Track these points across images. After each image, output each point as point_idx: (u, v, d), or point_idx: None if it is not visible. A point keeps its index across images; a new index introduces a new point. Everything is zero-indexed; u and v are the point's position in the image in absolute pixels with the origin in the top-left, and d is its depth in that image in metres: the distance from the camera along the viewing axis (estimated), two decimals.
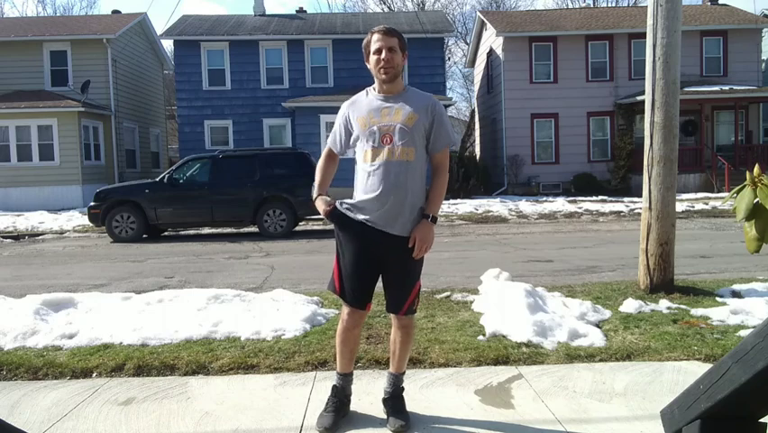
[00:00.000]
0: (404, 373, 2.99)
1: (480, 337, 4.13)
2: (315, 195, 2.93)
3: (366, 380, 3.45)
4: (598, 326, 4.38)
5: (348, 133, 2.87)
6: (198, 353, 3.93)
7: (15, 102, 19.61)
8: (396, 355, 2.94)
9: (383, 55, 2.71)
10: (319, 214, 2.95)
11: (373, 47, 2.75)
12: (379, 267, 2.82)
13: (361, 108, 2.83)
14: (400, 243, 2.74)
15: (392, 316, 2.91)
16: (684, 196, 17.89)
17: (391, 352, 2.98)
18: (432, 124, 2.80)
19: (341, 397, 2.93)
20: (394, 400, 2.92)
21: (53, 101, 19.86)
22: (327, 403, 2.92)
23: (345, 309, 2.86)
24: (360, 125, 2.78)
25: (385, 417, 2.89)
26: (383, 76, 2.74)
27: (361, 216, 2.77)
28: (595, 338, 4.07)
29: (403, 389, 2.97)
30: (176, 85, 22.47)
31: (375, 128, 2.74)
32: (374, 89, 2.87)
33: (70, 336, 4.32)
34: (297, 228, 12.49)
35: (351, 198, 2.83)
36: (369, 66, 2.80)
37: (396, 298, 2.84)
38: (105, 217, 11.93)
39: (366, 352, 3.85)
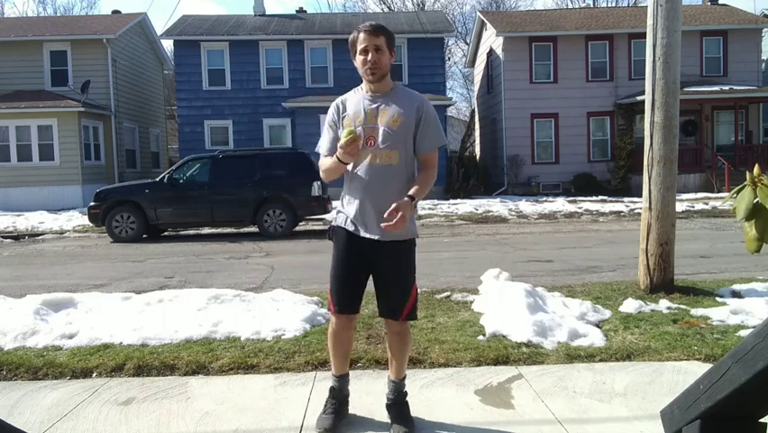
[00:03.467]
0: (404, 377, 2.92)
1: (480, 337, 4.13)
2: (331, 160, 2.71)
3: (366, 380, 3.45)
4: (598, 326, 4.38)
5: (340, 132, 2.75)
6: (198, 353, 3.93)
7: (15, 102, 19.61)
8: (394, 363, 2.88)
9: (369, 57, 2.64)
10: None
11: (360, 46, 2.66)
12: (368, 272, 2.77)
13: (349, 107, 2.76)
14: (391, 247, 2.71)
15: (387, 322, 2.84)
16: (684, 196, 17.89)
17: (389, 359, 2.92)
18: (419, 125, 2.72)
19: (339, 398, 2.91)
20: (399, 407, 2.86)
21: (53, 101, 19.86)
22: (326, 405, 2.89)
23: (333, 314, 2.84)
24: (346, 125, 2.72)
25: (386, 419, 2.87)
26: (370, 77, 2.68)
27: (348, 222, 2.75)
28: (595, 338, 4.07)
29: (406, 394, 2.91)
30: (176, 85, 22.48)
31: (360, 129, 2.67)
32: (362, 88, 2.79)
33: (70, 336, 4.32)
34: (297, 228, 12.49)
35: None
36: (356, 64, 2.72)
37: (392, 302, 2.76)
38: (105, 217, 11.93)
39: (366, 352, 3.85)
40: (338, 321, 2.82)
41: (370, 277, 2.82)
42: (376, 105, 2.71)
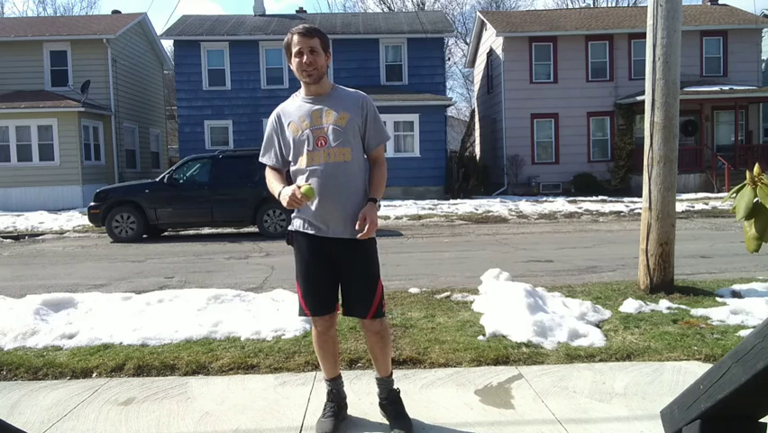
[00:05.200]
0: (391, 373, 2.91)
1: (480, 337, 4.13)
2: (278, 192, 2.69)
3: (366, 380, 3.45)
4: (598, 326, 4.38)
5: (284, 142, 2.77)
6: (198, 353, 3.93)
7: (15, 102, 19.61)
8: (379, 361, 2.86)
9: (305, 58, 2.63)
10: None
11: (294, 49, 2.66)
12: (335, 272, 2.75)
13: (291, 114, 2.75)
14: (351, 246, 2.69)
15: (363, 323, 2.82)
16: (684, 196, 17.89)
17: (373, 359, 2.91)
18: (365, 123, 2.75)
19: (337, 401, 2.90)
20: (393, 406, 2.84)
21: (53, 101, 19.86)
22: (325, 409, 2.88)
23: (314, 318, 2.81)
24: (293, 131, 2.71)
25: (386, 419, 2.86)
26: (307, 79, 2.68)
27: (306, 225, 2.72)
28: (595, 338, 4.07)
29: (398, 391, 2.90)
30: (176, 85, 22.48)
31: (308, 131, 2.68)
32: (301, 93, 2.79)
33: (70, 336, 4.32)
34: None
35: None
36: (292, 67, 2.72)
37: (360, 301, 2.74)
38: (105, 217, 11.93)
39: (366, 352, 3.85)
40: (320, 323, 2.80)
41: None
42: (319, 106, 2.71)
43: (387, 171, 2.84)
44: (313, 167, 2.66)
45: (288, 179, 2.82)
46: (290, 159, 2.76)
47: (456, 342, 4.03)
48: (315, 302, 2.76)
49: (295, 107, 2.77)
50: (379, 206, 2.78)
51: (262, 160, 2.86)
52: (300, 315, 2.86)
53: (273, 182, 2.78)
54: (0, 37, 21.08)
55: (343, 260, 2.72)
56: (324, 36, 2.72)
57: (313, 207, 2.67)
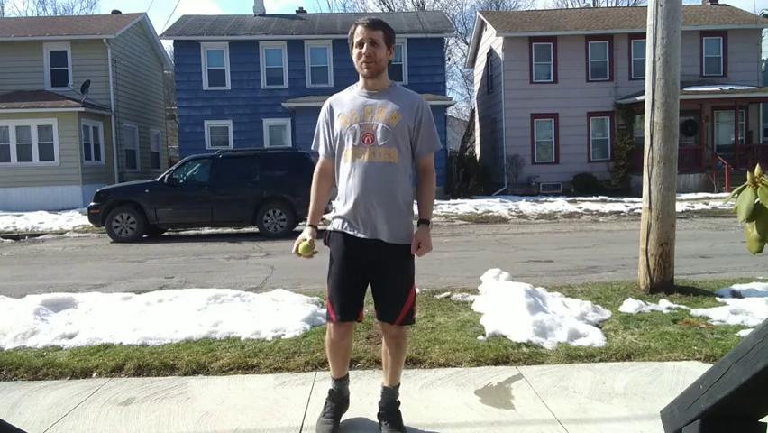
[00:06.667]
0: (398, 385, 2.83)
1: (480, 337, 4.13)
2: (308, 222, 2.84)
3: (366, 380, 3.45)
4: (598, 326, 4.38)
5: (333, 132, 2.71)
6: (198, 353, 3.93)
7: (15, 102, 19.61)
8: (388, 368, 2.78)
9: (365, 49, 2.58)
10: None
11: (356, 39, 2.61)
12: (368, 275, 2.69)
13: (343, 105, 2.69)
14: (389, 249, 2.62)
15: (383, 326, 2.75)
16: (684, 196, 17.89)
17: (383, 364, 2.83)
18: (418, 127, 2.66)
19: (339, 400, 2.86)
20: (390, 417, 2.76)
21: (53, 101, 19.86)
22: (325, 408, 2.84)
23: (331, 323, 2.72)
24: (341, 123, 2.64)
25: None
26: (365, 71, 2.62)
27: (345, 224, 2.66)
28: (595, 338, 4.07)
29: (399, 403, 2.83)
30: (176, 85, 22.48)
31: (356, 126, 2.61)
32: (358, 86, 2.73)
33: (70, 336, 4.32)
34: (297, 228, 12.49)
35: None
36: (353, 58, 2.67)
37: (390, 305, 2.67)
38: (105, 217, 11.93)
39: (366, 352, 3.85)
40: (338, 330, 2.71)
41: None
42: (373, 102, 2.65)
43: (434, 183, 2.76)
44: (356, 163, 2.60)
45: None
46: (336, 151, 2.70)
47: (456, 342, 4.03)
48: (344, 308, 2.68)
49: (349, 99, 2.71)
50: (430, 223, 2.72)
51: (315, 148, 2.83)
52: (328, 320, 2.78)
53: (312, 195, 2.84)
54: (0, 37, 21.08)
55: (378, 263, 2.65)
56: (389, 30, 2.67)
57: (356, 199, 2.63)
